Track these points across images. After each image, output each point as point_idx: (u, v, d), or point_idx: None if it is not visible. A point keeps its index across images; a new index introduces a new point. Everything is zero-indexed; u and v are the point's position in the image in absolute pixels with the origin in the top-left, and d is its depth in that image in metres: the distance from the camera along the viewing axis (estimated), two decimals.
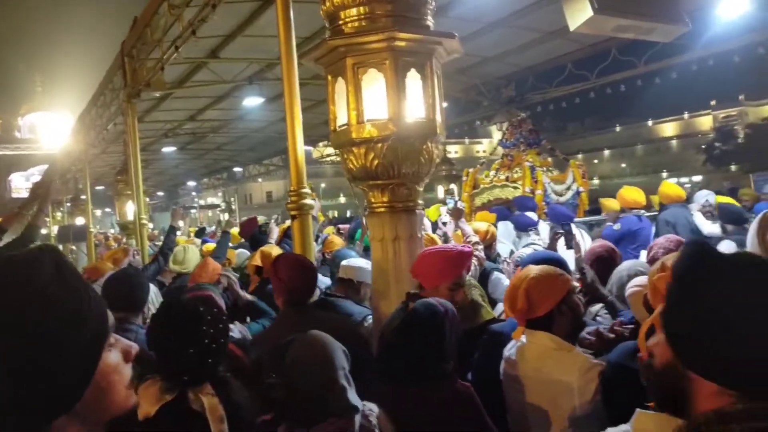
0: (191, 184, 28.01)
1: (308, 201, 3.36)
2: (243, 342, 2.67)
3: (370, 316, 2.85)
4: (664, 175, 48.05)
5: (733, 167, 45.99)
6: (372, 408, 1.71)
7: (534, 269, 2.15)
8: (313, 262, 3.48)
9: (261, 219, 6.68)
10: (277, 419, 1.65)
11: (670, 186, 6.07)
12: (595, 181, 54.36)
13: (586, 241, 4.17)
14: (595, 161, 65.48)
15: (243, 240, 6.02)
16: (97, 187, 18.91)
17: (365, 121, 2.54)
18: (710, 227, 5.45)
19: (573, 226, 5.05)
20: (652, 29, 4.64)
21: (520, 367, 2.10)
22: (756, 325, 0.86)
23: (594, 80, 9.12)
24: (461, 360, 2.18)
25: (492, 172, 10.17)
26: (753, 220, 2.70)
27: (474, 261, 3.33)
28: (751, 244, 2.44)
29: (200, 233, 11.20)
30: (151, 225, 16.76)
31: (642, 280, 2.17)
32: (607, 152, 67.62)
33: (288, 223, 4.42)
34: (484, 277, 3.69)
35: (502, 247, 4.87)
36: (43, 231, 5.51)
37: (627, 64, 8.57)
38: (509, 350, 2.18)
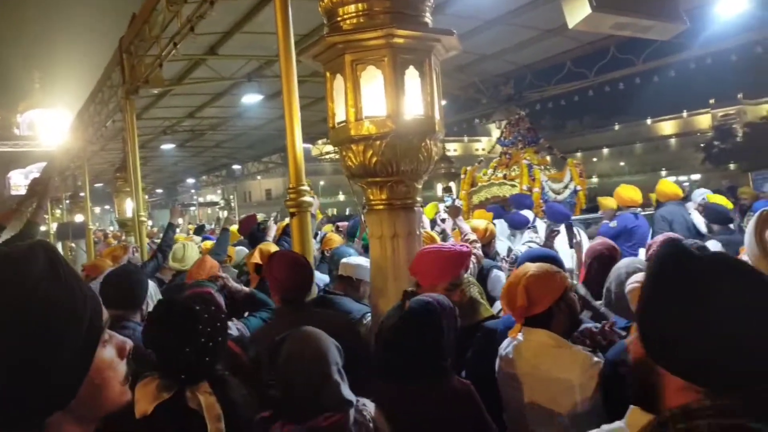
0: (190, 181, 27.96)
1: (307, 198, 3.36)
2: (242, 339, 2.67)
3: (369, 314, 2.85)
4: (663, 173, 48.15)
5: (731, 166, 46.06)
6: (366, 403, 1.71)
7: (531, 267, 2.15)
8: (312, 260, 3.48)
9: (260, 216, 6.67)
10: (275, 416, 1.66)
11: (668, 184, 6.09)
12: (594, 180, 54.42)
13: (582, 239, 4.18)
14: (594, 159, 65.55)
15: (242, 237, 6.02)
16: (96, 185, 18.89)
17: (364, 118, 2.53)
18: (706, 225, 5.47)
19: (567, 223, 5.07)
20: (650, 27, 4.64)
21: (517, 364, 2.10)
22: (723, 324, 0.88)
23: (593, 78, 9.11)
24: (459, 357, 2.18)
25: (490, 170, 10.17)
26: (751, 218, 2.71)
27: (473, 259, 3.33)
28: (749, 242, 2.43)
29: (199, 230, 11.21)
30: (150, 222, 16.75)
31: (641, 276, 2.18)
32: (605, 150, 67.69)
33: (287, 220, 4.42)
34: (482, 275, 3.69)
35: (500, 245, 4.88)
36: (42, 228, 5.50)
37: (626, 62, 8.57)
38: (506, 348, 2.18)
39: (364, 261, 3.15)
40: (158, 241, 5.95)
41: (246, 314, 3.12)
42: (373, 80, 2.53)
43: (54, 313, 0.75)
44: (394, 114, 2.50)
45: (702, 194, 5.97)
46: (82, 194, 12.56)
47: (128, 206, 10.13)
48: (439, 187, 13.36)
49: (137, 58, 6.44)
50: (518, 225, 5.70)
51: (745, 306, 0.90)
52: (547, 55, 8.81)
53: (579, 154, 53.47)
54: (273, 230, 5.24)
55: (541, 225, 5.91)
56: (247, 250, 5.17)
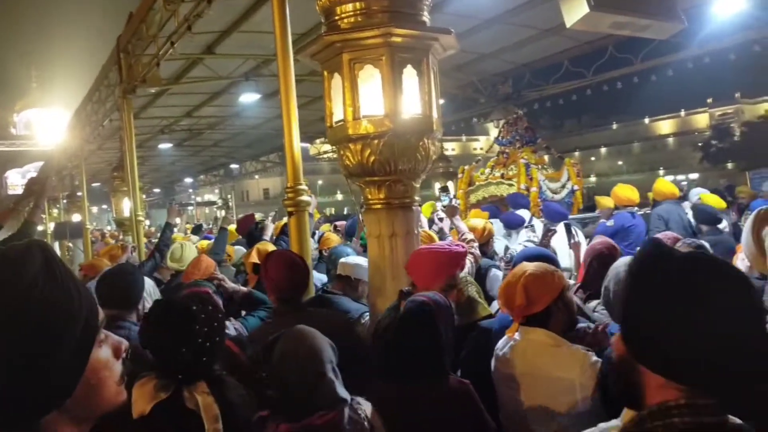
0: (188, 180, 27.95)
1: (305, 198, 3.36)
2: (240, 339, 2.67)
3: (368, 313, 2.85)
4: (661, 172, 48.24)
5: (729, 165, 46.13)
6: (360, 401, 1.71)
7: (529, 266, 2.15)
8: (310, 259, 3.47)
9: (258, 216, 6.66)
10: (273, 415, 1.66)
11: (664, 183, 6.10)
12: (592, 179, 54.48)
13: (580, 239, 4.19)
14: (592, 159, 65.62)
15: (240, 237, 6.02)
16: (94, 184, 18.84)
17: (362, 117, 2.53)
18: None
19: (565, 223, 5.08)
20: (648, 26, 4.64)
21: (515, 364, 2.09)
22: (699, 322, 0.90)
23: (591, 77, 9.12)
24: (456, 356, 2.18)
25: (487, 170, 10.18)
26: (749, 217, 2.71)
27: (470, 258, 3.33)
28: (746, 240, 2.44)
29: (197, 230, 11.20)
30: (147, 222, 16.73)
31: None
32: (603, 150, 67.74)
33: (285, 220, 4.41)
34: (480, 274, 3.69)
35: (497, 244, 4.88)
36: (40, 228, 5.48)
37: (624, 61, 8.58)
38: (502, 349, 2.16)
39: (362, 260, 3.15)
40: (156, 240, 5.95)
41: (243, 313, 3.11)
42: (370, 79, 2.52)
43: (50, 313, 0.74)
44: (392, 113, 2.49)
45: (698, 193, 5.99)
46: (79, 194, 12.54)
47: (125, 206, 10.13)
48: (437, 187, 13.35)
49: (134, 57, 6.44)
50: (513, 225, 5.70)
51: (721, 304, 0.91)
52: (545, 55, 8.82)
53: (577, 154, 53.55)
54: (270, 229, 5.23)
55: (539, 224, 5.91)
56: (244, 250, 5.16)
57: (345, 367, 1.76)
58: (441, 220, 4.56)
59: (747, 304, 0.92)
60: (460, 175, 10.57)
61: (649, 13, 4.50)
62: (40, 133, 36.55)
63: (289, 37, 3.32)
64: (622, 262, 2.80)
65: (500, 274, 3.77)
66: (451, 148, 61.02)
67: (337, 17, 2.57)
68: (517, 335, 2.11)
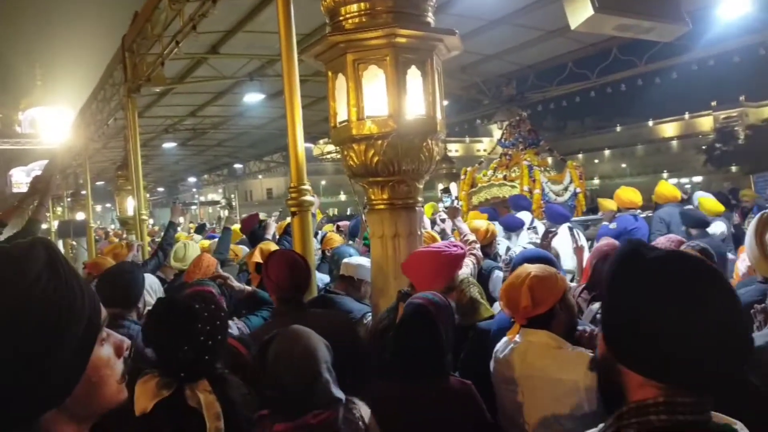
0: (191, 180, 27.98)
1: (308, 198, 3.36)
2: (245, 338, 2.67)
3: (370, 314, 2.85)
4: (665, 175, 48.00)
5: (733, 168, 46.03)
6: (356, 401, 1.72)
7: (532, 268, 2.14)
8: (313, 260, 3.47)
9: (262, 216, 6.67)
10: (272, 414, 1.66)
11: (666, 186, 6.08)
12: (596, 181, 54.43)
13: (581, 240, 4.18)
14: (596, 161, 65.53)
15: (244, 236, 6.03)
16: (98, 183, 18.89)
17: (365, 117, 2.54)
18: (711, 226, 5.46)
19: (569, 225, 5.07)
20: (652, 28, 4.64)
21: (517, 366, 2.07)
22: (674, 321, 0.91)
23: (595, 79, 9.11)
24: (456, 357, 2.18)
25: (490, 171, 10.18)
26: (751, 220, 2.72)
27: (472, 259, 3.33)
28: (749, 244, 2.44)
29: (200, 229, 11.22)
30: (151, 221, 16.77)
31: None
32: (607, 152, 67.63)
33: (288, 220, 4.42)
34: (483, 276, 3.69)
35: (499, 246, 4.87)
36: (44, 226, 5.51)
37: (628, 63, 8.56)
38: (503, 351, 2.14)
39: (365, 261, 3.15)
40: (159, 239, 5.96)
41: (244, 312, 3.12)
42: (374, 80, 2.53)
43: (53, 311, 0.74)
44: (396, 114, 2.50)
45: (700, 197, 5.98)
46: (83, 192, 12.58)
47: (129, 204, 10.15)
48: (440, 188, 13.34)
49: (139, 56, 6.45)
50: (512, 228, 5.68)
51: (695, 302, 0.92)
52: (549, 56, 8.81)
53: (580, 156, 53.52)
54: (272, 228, 5.24)
55: (541, 226, 5.90)
56: (247, 249, 5.17)
57: (347, 367, 1.76)
58: (443, 221, 4.56)
59: (722, 301, 0.93)
60: (462, 177, 10.57)
61: (654, 16, 4.50)
62: (45, 132, 36.62)
63: (294, 37, 3.33)
64: None
65: (503, 275, 3.76)
66: (455, 149, 60.98)
67: (341, 18, 2.58)
68: (517, 337, 2.10)
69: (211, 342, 1.75)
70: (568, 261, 4.47)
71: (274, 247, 3.95)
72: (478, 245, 3.63)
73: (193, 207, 34.02)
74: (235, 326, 2.77)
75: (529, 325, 2.07)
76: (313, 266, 3.49)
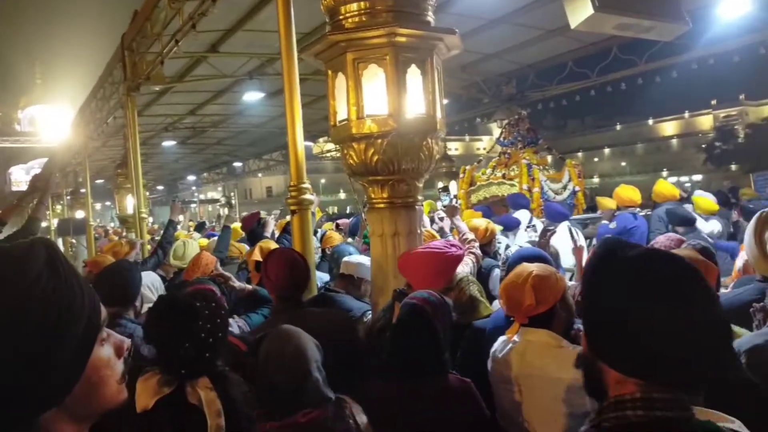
0: (191, 178, 27.96)
1: (308, 196, 3.36)
2: (246, 336, 2.68)
3: (370, 312, 2.86)
4: (664, 174, 48.03)
5: (733, 167, 46.01)
6: (346, 399, 1.73)
7: (532, 267, 2.14)
8: (313, 258, 3.48)
9: (263, 214, 6.69)
10: (263, 414, 1.67)
11: (665, 184, 6.08)
12: (595, 180, 54.41)
13: (580, 240, 4.18)
14: (596, 159, 65.51)
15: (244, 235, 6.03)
16: (97, 181, 18.89)
17: (365, 116, 2.54)
18: (707, 225, 5.47)
19: (568, 224, 5.07)
20: (652, 28, 4.64)
21: (517, 366, 2.06)
22: (650, 318, 0.92)
23: (595, 78, 9.11)
24: (453, 355, 2.18)
25: (489, 170, 10.18)
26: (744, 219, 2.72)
27: (471, 258, 3.33)
28: (748, 243, 2.44)
29: (200, 228, 11.21)
30: (150, 219, 16.77)
31: None
32: (607, 150, 67.61)
33: (288, 218, 4.42)
34: (483, 274, 3.69)
35: (500, 245, 4.87)
36: (43, 224, 5.51)
37: (628, 62, 8.56)
38: (501, 351, 2.14)
39: (365, 259, 3.16)
40: (159, 238, 5.96)
41: (242, 311, 3.12)
42: (374, 78, 2.53)
43: (53, 310, 0.74)
44: (396, 112, 2.50)
45: (698, 196, 5.98)
46: (83, 190, 12.59)
47: (129, 203, 10.16)
48: (439, 186, 13.35)
49: (139, 54, 6.45)
50: (509, 227, 5.68)
51: (670, 299, 0.93)
52: (549, 55, 8.81)
53: (580, 154, 53.49)
54: (271, 225, 5.24)
55: (540, 225, 5.90)
56: (247, 247, 5.17)
57: (346, 365, 1.77)
58: (441, 219, 4.57)
59: (701, 299, 0.94)
60: (461, 175, 10.57)
61: (654, 15, 4.50)
62: (45, 130, 36.62)
63: (294, 36, 3.33)
64: None
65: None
66: (455, 147, 60.95)
67: (341, 17, 2.58)
68: (516, 337, 2.09)
69: (211, 339, 1.75)
70: (567, 259, 4.47)
71: (273, 245, 3.95)
72: (477, 244, 3.63)
73: (193, 205, 34.01)
74: (236, 324, 2.77)
75: (530, 324, 2.07)
76: (313, 265, 3.49)
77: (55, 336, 0.74)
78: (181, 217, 6.25)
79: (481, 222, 4.49)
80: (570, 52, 8.64)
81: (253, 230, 5.36)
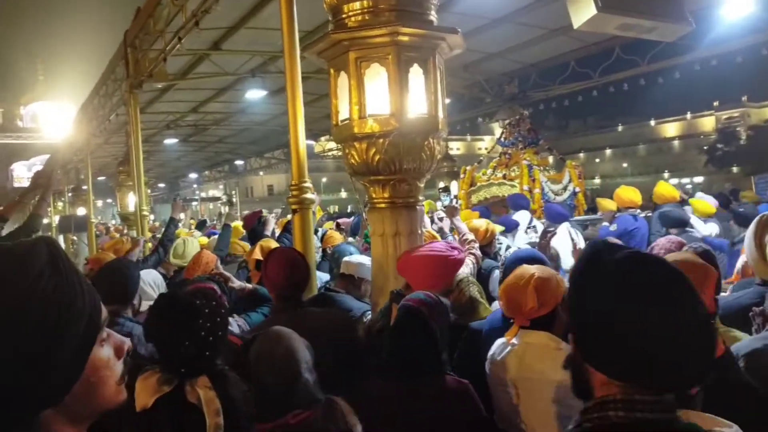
0: (193, 176, 27.98)
1: (309, 195, 3.36)
2: (246, 335, 2.68)
3: (370, 312, 2.86)
4: (666, 175, 47.93)
5: (734, 169, 45.96)
6: (337, 400, 1.73)
7: (533, 269, 2.12)
8: (313, 257, 3.47)
9: (265, 213, 6.71)
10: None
11: (665, 186, 6.07)
12: (597, 181, 54.35)
13: (580, 241, 4.18)
14: (597, 160, 65.44)
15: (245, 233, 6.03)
16: (99, 178, 18.90)
17: (367, 116, 2.54)
18: (705, 227, 5.47)
19: (568, 225, 5.06)
20: (655, 28, 4.63)
21: (514, 368, 2.04)
22: (634, 321, 0.93)
23: (597, 79, 9.10)
24: (451, 356, 2.18)
25: (489, 170, 10.18)
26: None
27: (471, 259, 3.33)
28: (748, 245, 2.44)
29: (201, 226, 11.22)
30: (152, 216, 16.78)
31: None
32: (608, 151, 67.50)
33: (289, 217, 4.42)
34: (483, 275, 3.69)
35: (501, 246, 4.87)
36: (45, 221, 5.51)
37: (630, 63, 8.55)
38: (500, 354, 2.11)
39: (365, 259, 3.15)
40: (160, 236, 5.97)
41: (243, 309, 3.12)
42: (377, 78, 2.53)
43: (54, 310, 0.74)
44: (398, 112, 2.50)
45: (700, 198, 5.97)
46: (84, 187, 12.59)
47: (131, 200, 10.17)
48: (440, 186, 13.36)
49: (141, 52, 6.45)
50: (506, 228, 5.67)
51: (652, 303, 0.93)
52: (552, 55, 8.80)
53: (582, 155, 53.46)
54: (271, 223, 5.24)
55: (540, 226, 5.89)
56: (249, 246, 5.17)
57: (346, 365, 1.77)
58: (441, 219, 4.56)
59: (686, 302, 0.95)
60: (462, 176, 10.57)
61: (657, 15, 4.49)
62: (47, 126, 36.65)
63: (296, 34, 3.33)
64: None
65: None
66: (456, 147, 60.93)
67: (344, 15, 2.58)
68: (514, 339, 2.07)
69: (212, 338, 1.75)
70: (567, 260, 4.47)
71: (274, 244, 3.95)
72: (477, 244, 3.63)
73: (194, 203, 34.04)
74: (236, 323, 2.77)
75: (531, 326, 2.05)
76: (314, 264, 3.49)
77: (55, 335, 0.74)
78: (182, 215, 6.25)
79: (482, 223, 4.48)
80: (572, 52, 8.63)
81: (254, 229, 5.36)
